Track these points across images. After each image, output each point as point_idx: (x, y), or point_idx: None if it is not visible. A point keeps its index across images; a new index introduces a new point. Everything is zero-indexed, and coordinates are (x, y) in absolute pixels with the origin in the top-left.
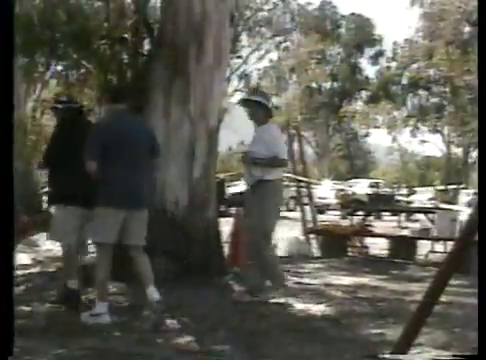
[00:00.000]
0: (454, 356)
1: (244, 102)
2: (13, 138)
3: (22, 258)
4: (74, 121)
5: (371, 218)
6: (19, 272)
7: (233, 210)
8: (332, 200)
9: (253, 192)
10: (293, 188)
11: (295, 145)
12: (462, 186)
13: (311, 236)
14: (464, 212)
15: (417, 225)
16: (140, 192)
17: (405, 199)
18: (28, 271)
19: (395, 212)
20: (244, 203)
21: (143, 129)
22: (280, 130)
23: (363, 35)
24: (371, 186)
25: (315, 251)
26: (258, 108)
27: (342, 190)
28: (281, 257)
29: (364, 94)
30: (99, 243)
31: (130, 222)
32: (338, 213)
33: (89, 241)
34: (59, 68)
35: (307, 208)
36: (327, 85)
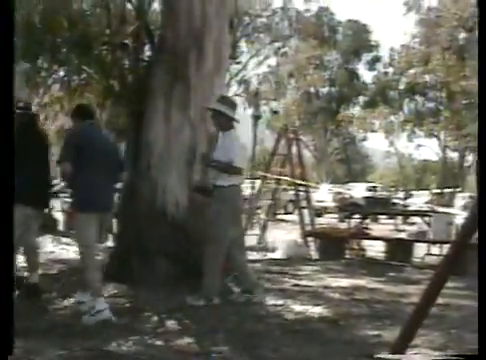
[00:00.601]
0: (454, 356)
1: (208, 110)
2: (13, 139)
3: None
4: (29, 126)
5: (368, 221)
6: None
7: None
8: (330, 203)
9: (209, 196)
10: (292, 191)
11: (294, 149)
12: (458, 190)
13: (309, 239)
14: (460, 215)
15: (414, 228)
16: (113, 197)
17: (402, 202)
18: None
19: (392, 215)
20: None
21: (111, 141)
22: (239, 137)
23: (360, 41)
24: (368, 189)
25: (313, 253)
26: (220, 116)
27: (340, 193)
28: (280, 260)
29: (361, 99)
30: (86, 245)
31: (102, 223)
32: (336, 216)
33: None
34: (61, 73)
35: (305, 211)
36: (325, 90)
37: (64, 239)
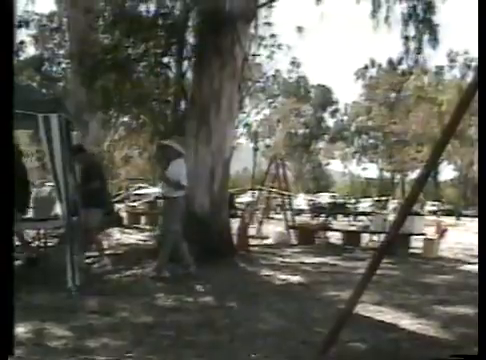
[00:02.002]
0: (454, 356)
1: (161, 146)
2: (13, 141)
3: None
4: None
5: (330, 219)
6: (97, 253)
7: (239, 213)
8: (305, 207)
9: (164, 203)
10: (279, 199)
11: (280, 170)
12: (390, 198)
13: (291, 231)
14: (391, 215)
15: (361, 223)
16: None
17: (353, 206)
18: (105, 252)
19: (346, 215)
20: None
21: None
22: (184, 164)
23: (325, 98)
24: (330, 197)
25: (293, 240)
26: (169, 149)
27: (311, 200)
28: (271, 245)
29: (326, 137)
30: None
31: None
32: (308, 215)
33: None
34: (125, 119)
35: (288, 212)
36: (301, 131)
37: (127, 230)
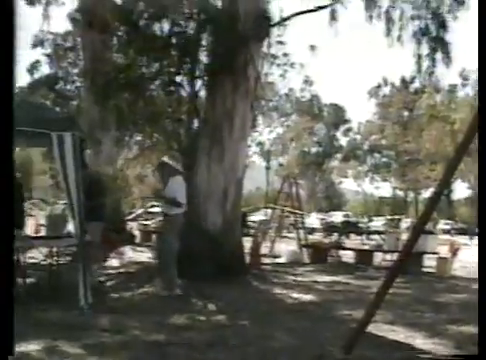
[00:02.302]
0: (454, 356)
1: (160, 163)
2: (13, 142)
3: (113, 262)
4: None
5: (343, 237)
6: (111, 271)
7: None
8: (317, 225)
9: (162, 221)
10: (292, 217)
11: (293, 189)
12: (403, 216)
13: (303, 249)
14: (404, 234)
15: (373, 242)
16: None
17: (366, 225)
18: (117, 271)
19: (359, 233)
20: None
21: None
22: (183, 182)
23: (338, 117)
24: (343, 216)
25: (306, 259)
26: (168, 167)
27: (324, 219)
28: (284, 263)
29: (339, 156)
30: None
31: None
32: (321, 234)
33: None
34: (138, 138)
35: (301, 231)
36: (314, 150)
37: (139, 248)
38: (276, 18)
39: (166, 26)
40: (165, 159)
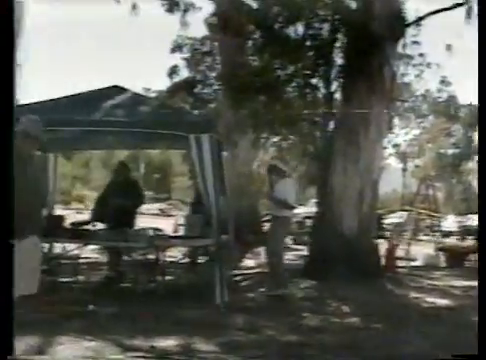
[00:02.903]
0: (454, 356)
1: (269, 165)
2: (12, 143)
3: (248, 263)
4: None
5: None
6: (247, 271)
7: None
8: (454, 228)
9: (270, 223)
10: (428, 220)
11: (430, 191)
12: None
13: (440, 253)
14: None
15: None
16: None
17: None
18: (252, 271)
19: None
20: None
21: None
22: (293, 184)
23: (476, 118)
24: None
25: (442, 263)
26: (276, 169)
27: (461, 222)
28: (419, 267)
29: (476, 157)
30: None
31: None
32: (458, 237)
33: None
34: (274, 140)
35: (437, 234)
36: (451, 151)
37: None
38: (411, 18)
39: (300, 28)
40: (274, 162)
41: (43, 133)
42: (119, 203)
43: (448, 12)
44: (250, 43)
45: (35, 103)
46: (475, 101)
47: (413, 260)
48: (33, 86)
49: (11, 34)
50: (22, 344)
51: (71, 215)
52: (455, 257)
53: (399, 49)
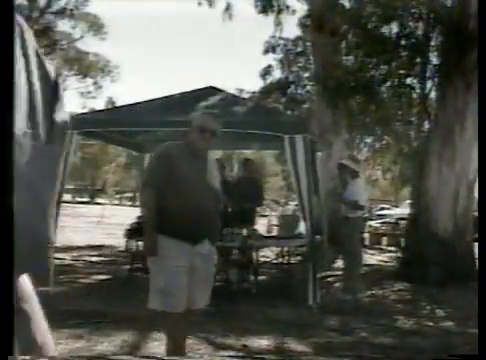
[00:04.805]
0: (454, 356)
1: (339, 165)
2: (12, 143)
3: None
4: None
5: None
6: (340, 272)
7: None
8: None
9: (343, 225)
10: None
11: None
12: None
13: None
14: None
15: None
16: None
17: None
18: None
19: None
20: None
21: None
22: (364, 184)
23: None
24: None
25: None
26: (346, 169)
27: None
28: None
29: None
30: None
31: None
32: None
33: None
34: (368, 140)
35: None
36: None
37: (369, 250)
38: None
39: (395, 27)
40: (344, 161)
41: (219, 128)
42: (242, 201)
43: None
44: (344, 43)
45: (132, 104)
46: None
47: None
48: (130, 86)
49: (11, 34)
50: (118, 340)
51: None
52: None
53: None
